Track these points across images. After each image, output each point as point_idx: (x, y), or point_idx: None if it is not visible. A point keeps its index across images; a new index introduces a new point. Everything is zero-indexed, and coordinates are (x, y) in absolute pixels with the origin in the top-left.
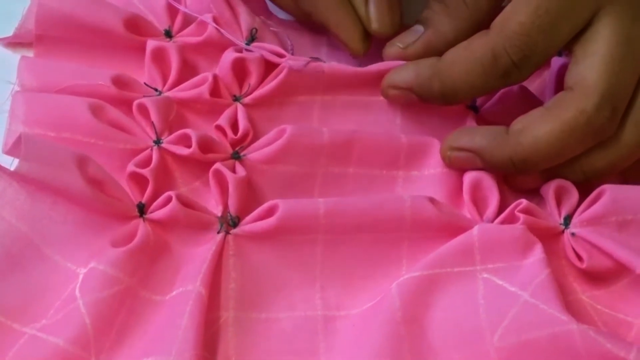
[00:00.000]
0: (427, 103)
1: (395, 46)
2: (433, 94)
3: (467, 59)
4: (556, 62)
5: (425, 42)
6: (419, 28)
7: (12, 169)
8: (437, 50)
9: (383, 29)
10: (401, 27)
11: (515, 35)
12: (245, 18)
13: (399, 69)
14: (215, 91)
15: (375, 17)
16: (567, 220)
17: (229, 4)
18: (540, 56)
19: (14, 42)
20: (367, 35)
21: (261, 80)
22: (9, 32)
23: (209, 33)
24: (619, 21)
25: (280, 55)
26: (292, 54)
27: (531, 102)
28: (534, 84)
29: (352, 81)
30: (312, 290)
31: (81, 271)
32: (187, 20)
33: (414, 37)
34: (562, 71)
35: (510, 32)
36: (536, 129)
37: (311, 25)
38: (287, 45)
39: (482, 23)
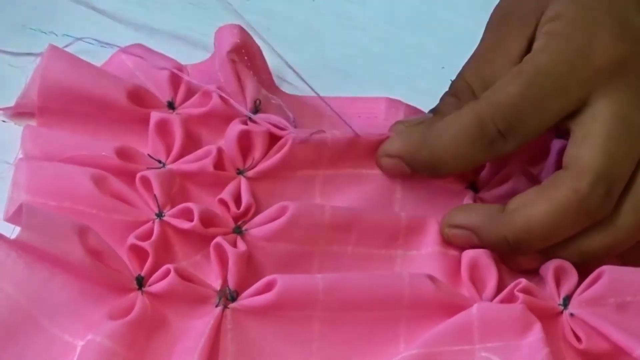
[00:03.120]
0: (417, 173)
1: (400, 125)
2: (421, 163)
3: (454, 128)
4: (557, 144)
5: (428, 126)
6: (429, 115)
7: (12, 236)
8: None
9: None
10: None
11: (502, 105)
12: (250, 89)
13: (392, 138)
14: (219, 164)
15: None
16: (566, 300)
17: (237, 74)
18: (527, 129)
19: (16, 112)
20: None
21: (265, 154)
22: (5, 99)
23: (213, 103)
24: (617, 103)
25: (283, 128)
26: (295, 127)
27: (531, 183)
28: (536, 169)
29: (354, 152)
30: None
31: (79, 343)
32: (191, 91)
33: (421, 120)
34: (562, 153)
35: (497, 100)
36: (530, 209)
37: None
38: (289, 118)
39: None
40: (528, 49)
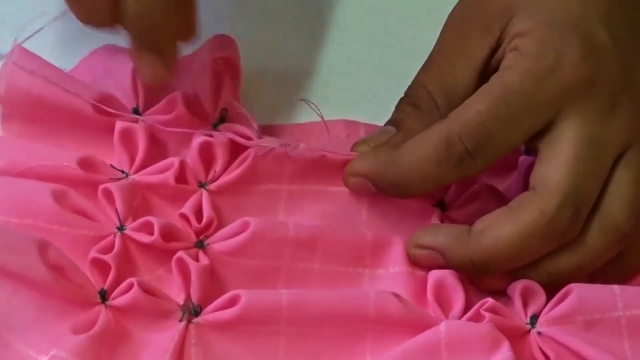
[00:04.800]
0: (383, 193)
1: (365, 144)
2: (387, 183)
3: (421, 146)
4: (525, 161)
5: (394, 145)
6: (391, 129)
7: None
8: None
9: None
10: None
11: (471, 122)
12: (223, 99)
13: (359, 157)
14: (180, 177)
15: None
16: (534, 319)
17: (213, 83)
18: (496, 148)
19: None
20: None
21: (227, 166)
22: None
23: (177, 112)
24: (586, 122)
25: (248, 138)
26: (260, 137)
27: (499, 201)
28: (503, 185)
29: (320, 168)
30: None
31: (43, 359)
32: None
33: (385, 137)
34: (529, 171)
35: (465, 119)
36: (497, 230)
37: None
38: (254, 129)
39: None
40: (491, 55)
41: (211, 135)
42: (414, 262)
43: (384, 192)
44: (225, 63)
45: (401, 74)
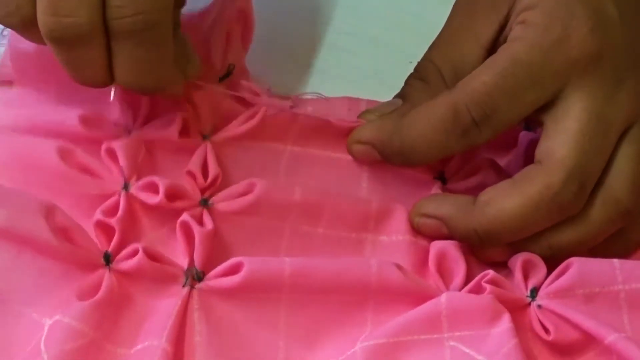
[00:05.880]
0: (388, 161)
1: (371, 113)
2: (393, 150)
3: (428, 115)
4: (525, 136)
5: (401, 114)
6: (398, 101)
7: None
8: None
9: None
10: None
11: (477, 93)
12: (232, 54)
13: (365, 125)
14: (184, 130)
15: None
16: (534, 292)
17: (227, 37)
18: (501, 119)
19: None
20: None
21: (230, 119)
22: None
23: None
24: (592, 97)
25: (256, 94)
26: (270, 96)
27: (500, 175)
28: (503, 161)
29: (324, 133)
30: (275, 349)
31: (46, 322)
32: None
33: (392, 108)
34: (530, 146)
35: (472, 89)
36: (501, 202)
37: None
38: (265, 85)
39: None
40: (499, 33)
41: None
42: (416, 231)
43: (389, 160)
44: (239, 13)
45: (404, 52)
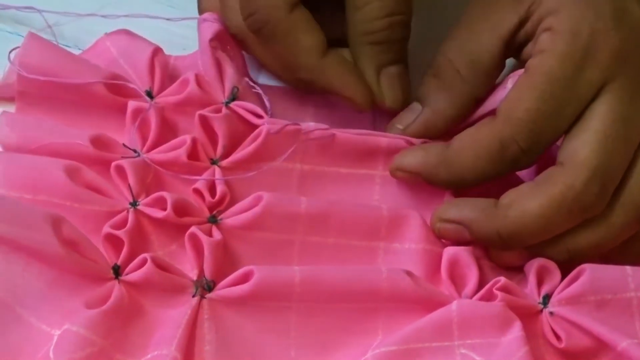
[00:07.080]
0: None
1: (395, 127)
2: (440, 180)
3: (474, 148)
4: None
5: (424, 122)
6: (417, 106)
7: None
8: (437, 128)
9: (396, 105)
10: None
11: (522, 123)
12: (230, 77)
13: (407, 153)
14: (193, 154)
15: (388, 94)
16: (546, 299)
17: (216, 61)
18: (548, 140)
19: None
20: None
21: (233, 140)
22: None
23: (189, 90)
24: (617, 99)
25: (260, 116)
26: (270, 117)
27: (512, 181)
28: None
29: (329, 149)
30: (286, 358)
31: (55, 332)
32: (171, 79)
33: (413, 116)
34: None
35: (517, 120)
36: (524, 204)
37: (304, 92)
38: (267, 108)
39: (479, 97)
40: (519, 26)
41: (219, 111)
42: (430, 239)
43: (434, 185)
44: (219, 41)
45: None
